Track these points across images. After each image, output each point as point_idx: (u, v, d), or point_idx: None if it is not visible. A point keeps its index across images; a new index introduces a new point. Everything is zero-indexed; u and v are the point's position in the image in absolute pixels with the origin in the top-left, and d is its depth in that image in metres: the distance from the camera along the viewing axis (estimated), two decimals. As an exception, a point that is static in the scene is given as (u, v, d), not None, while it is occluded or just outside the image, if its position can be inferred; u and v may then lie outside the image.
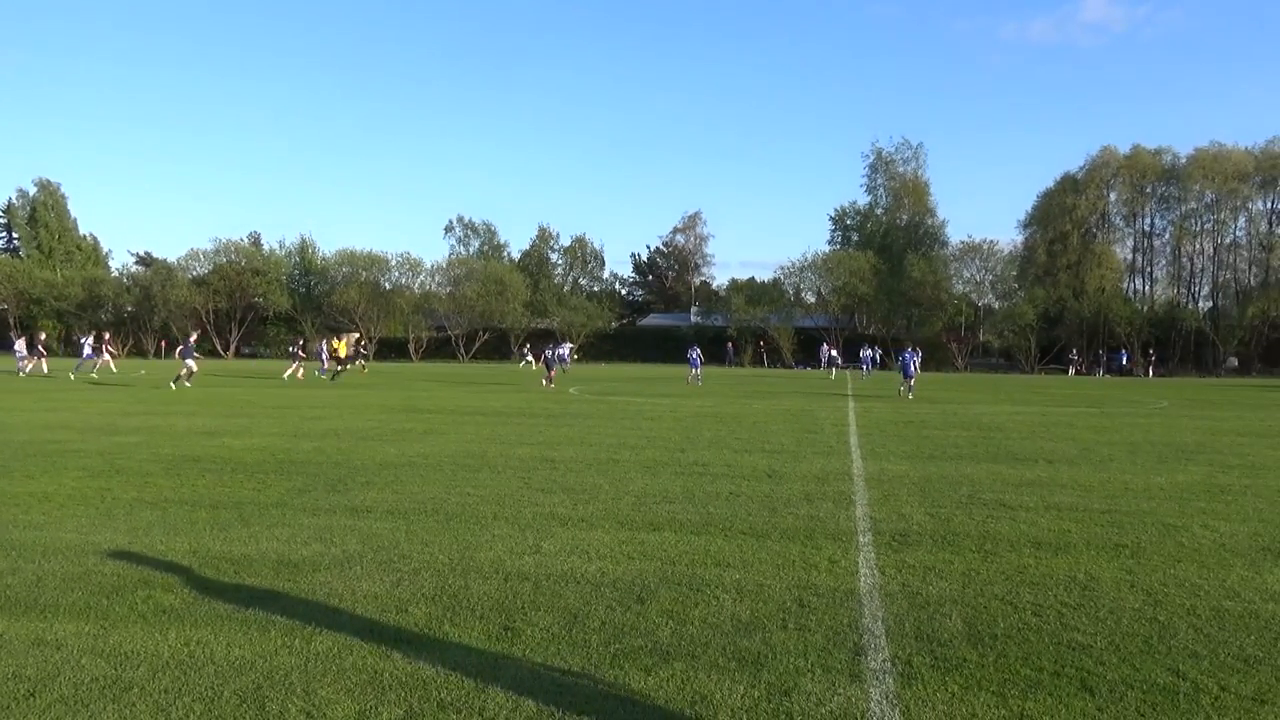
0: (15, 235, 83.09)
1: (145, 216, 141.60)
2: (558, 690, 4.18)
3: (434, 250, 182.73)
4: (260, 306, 73.47)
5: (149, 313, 70.78)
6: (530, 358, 53.92)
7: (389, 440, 13.88)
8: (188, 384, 27.64)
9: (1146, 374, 59.89)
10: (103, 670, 4.38)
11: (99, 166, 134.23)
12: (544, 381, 31.72)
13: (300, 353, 36.18)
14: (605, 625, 5.11)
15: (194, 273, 73.35)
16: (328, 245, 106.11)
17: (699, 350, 41.40)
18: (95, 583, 5.83)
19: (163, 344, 66.01)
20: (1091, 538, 7.51)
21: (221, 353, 69.91)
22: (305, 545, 6.93)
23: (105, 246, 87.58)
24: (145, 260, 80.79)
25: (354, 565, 6.34)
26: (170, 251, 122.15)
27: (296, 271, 78.27)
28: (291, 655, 4.59)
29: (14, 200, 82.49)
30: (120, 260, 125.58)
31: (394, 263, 74.65)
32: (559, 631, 4.99)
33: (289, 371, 35.33)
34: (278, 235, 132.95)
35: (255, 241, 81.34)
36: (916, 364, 29.50)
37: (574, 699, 4.10)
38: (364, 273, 73.24)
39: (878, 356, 54.81)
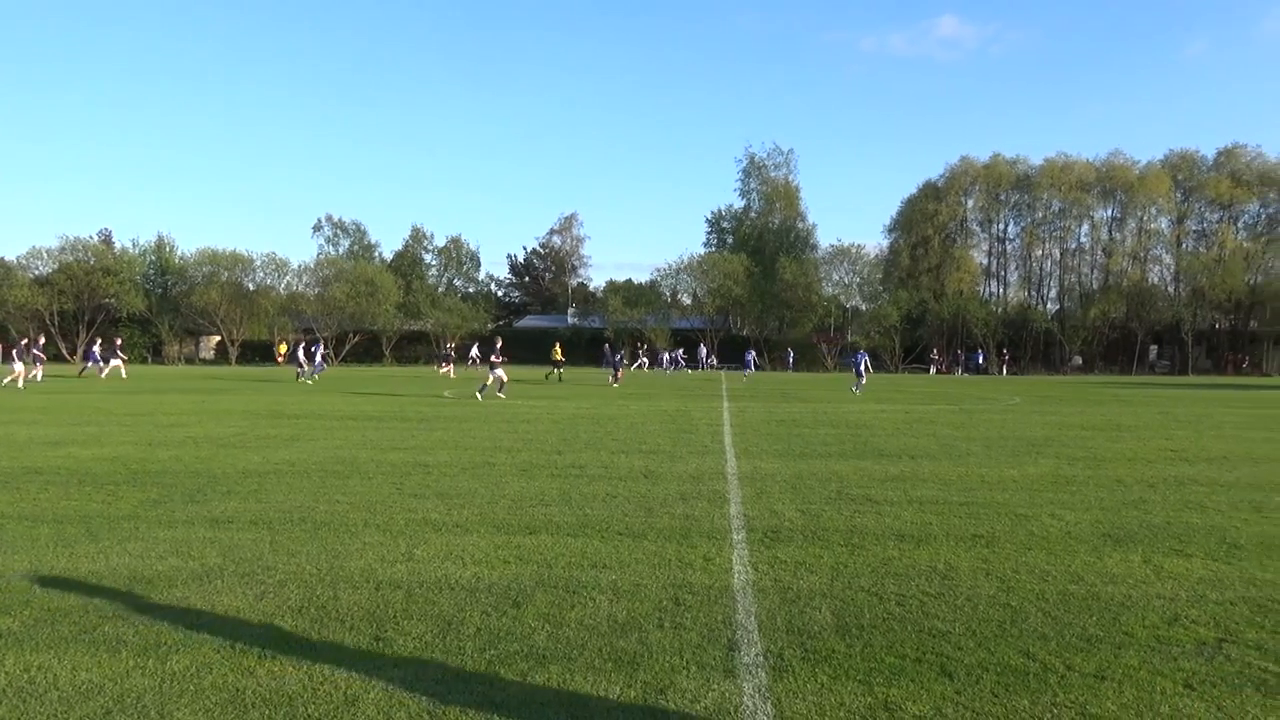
0: None
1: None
2: (431, 700, 4.10)
3: (301, 250, 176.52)
4: (112, 308, 69.35)
5: (-16, 314, 65.86)
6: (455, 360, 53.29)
7: (252, 447, 13.33)
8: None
9: (1001, 372, 63.32)
10: (-71, 702, 4.04)
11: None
12: (613, 380, 36.43)
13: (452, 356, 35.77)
14: (480, 631, 5.04)
15: (36, 272, 68.60)
16: (187, 244, 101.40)
17: (621, 352, 45.97)
18: (-79, 607, 5.37)
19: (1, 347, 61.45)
20: (951, 529, 7.87)
21: (68, 357, 65.69)
22: (160, 560, 6.57)
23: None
24: (-20, 258, 75.03)
25: (214, 579, 6.05)
26: (9, 249, 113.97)
27: (152, 271, 74.26)
28: (145, 677, 4.34)
29: None
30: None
31: (258, 262, 71.79)
32: (432, 640, 4.89)
33: (443, 370, 40.12)
34: (132, 233, 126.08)
35: (106, 239, 76.89)
36: (867, 363, 32.08)
37: (448, 708, 4.02)
38: (226, 273, 70.06)
39: (676, 357, 58.35)
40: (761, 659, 4.65)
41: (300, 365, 38.68)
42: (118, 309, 69.03)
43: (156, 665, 4.48)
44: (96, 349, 42.26)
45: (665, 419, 19.19)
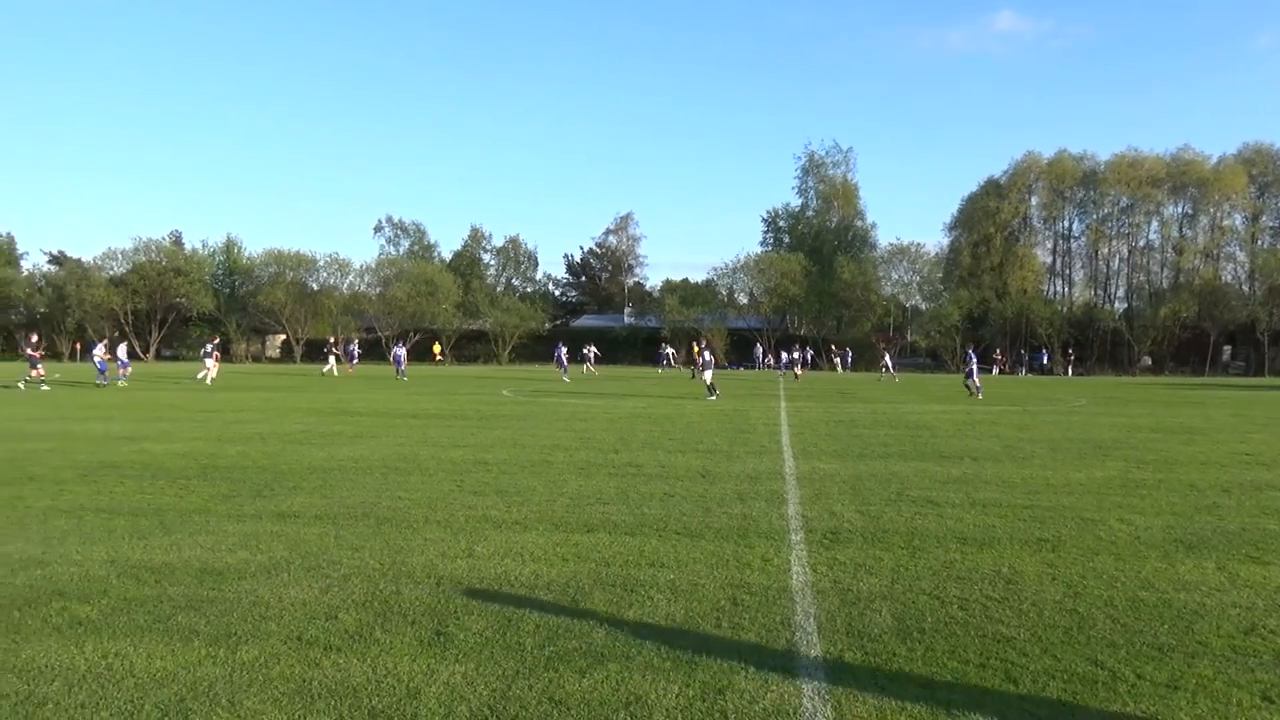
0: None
1: (61, 214, 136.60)
2: (491, 695, 4.15)
3: (363, 250, 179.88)
4: (183, 307, 71.42)
5: (62, 314, 68.26)
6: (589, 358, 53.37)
7: (317, 444, 13.61)
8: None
9: (1066, 373, 61.86)
10: (14, 686, 4.20)
11: (13, 162, 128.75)
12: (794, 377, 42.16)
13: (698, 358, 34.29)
14: (539, 628, 5.08)
15: (111, 272, 70.90)
16: (254, 245, 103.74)
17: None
18: (6, 595, 5.60)
19: (77, 346, 63.64)
20: (1014, 532, 7.71)
21: (142, 355, 67.74)
22: (230, 552, 6.75)
23: (20, 246, 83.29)
24: (58, 259, 77.70)
25: (281, 572, 6.20)
26: (86, 251, 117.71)
27: (221, 271, 76.31)
28: (216, 666, 4.47)
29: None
30: (33, 260, 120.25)
31: (321, 263, 73.32)
32: (492, 635, 4.95)
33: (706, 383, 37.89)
34: (201, 235, 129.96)
35: (177, 240, 79.14)
36: (976, 365, 31.71)
37: (508, 703, 4.07)
38: (290, 273, 71.69)
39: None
40: (821, 661, 4.62)
41: (400, 362, 42.66)
42: (188, 308, 71.06)
43: (227, 655, 4.61)
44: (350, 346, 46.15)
45: (722, 419, 19.13)
